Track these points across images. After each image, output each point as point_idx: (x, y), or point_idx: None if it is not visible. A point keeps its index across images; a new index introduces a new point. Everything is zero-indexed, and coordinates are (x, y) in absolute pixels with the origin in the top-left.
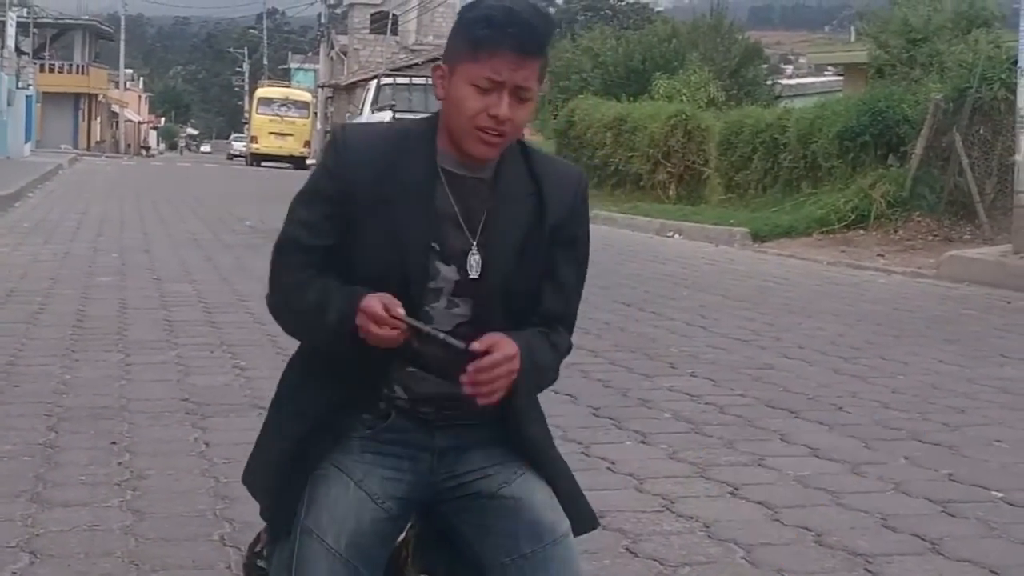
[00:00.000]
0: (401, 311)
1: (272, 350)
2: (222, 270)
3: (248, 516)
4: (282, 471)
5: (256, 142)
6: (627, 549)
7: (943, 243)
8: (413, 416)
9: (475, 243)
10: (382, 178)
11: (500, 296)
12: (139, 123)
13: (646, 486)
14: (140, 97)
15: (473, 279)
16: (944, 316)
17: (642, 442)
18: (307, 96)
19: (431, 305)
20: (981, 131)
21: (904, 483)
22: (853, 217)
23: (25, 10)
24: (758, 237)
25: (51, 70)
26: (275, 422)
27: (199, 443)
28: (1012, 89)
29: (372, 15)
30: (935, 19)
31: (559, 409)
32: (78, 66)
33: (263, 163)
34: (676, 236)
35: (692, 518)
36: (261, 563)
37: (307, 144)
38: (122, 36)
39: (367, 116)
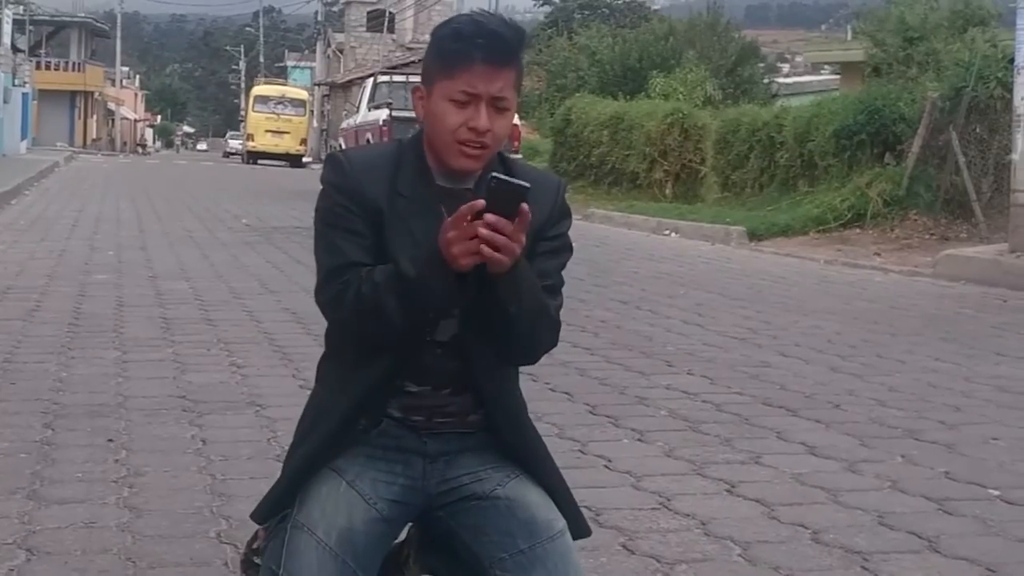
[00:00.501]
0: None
1: (268, 347)
2: (218, 268)
3: (245, 513)
4: (292, 476)
5: (252, 140)
6: (623, 546)
7: (939, 242)
8: (404, 423)
9: None
10: (390, 192)
11: None
12: (135, 121)
13: (643, 484)
14: (136, 95)
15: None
16: (940, 314)
17: (639, 440)
18: (303, 94)
19: None
20: (977, 130)
21: (901, 481)
22: (850, 216)
23: (21, 7)
24: (755, 235)
25: (47, 68)
26: (297, 435)
27: (196, 440)
28: (1008, 88)
29: (369, 13)
30: (931, 18)
31: (556, 407)
32: (74, 64)
33: (259, 161)
34: (673, 234)
35: (689, 516)
36: (258, 560)
37: (303, 142)
38: (118, 34)
39: (364, 114)
